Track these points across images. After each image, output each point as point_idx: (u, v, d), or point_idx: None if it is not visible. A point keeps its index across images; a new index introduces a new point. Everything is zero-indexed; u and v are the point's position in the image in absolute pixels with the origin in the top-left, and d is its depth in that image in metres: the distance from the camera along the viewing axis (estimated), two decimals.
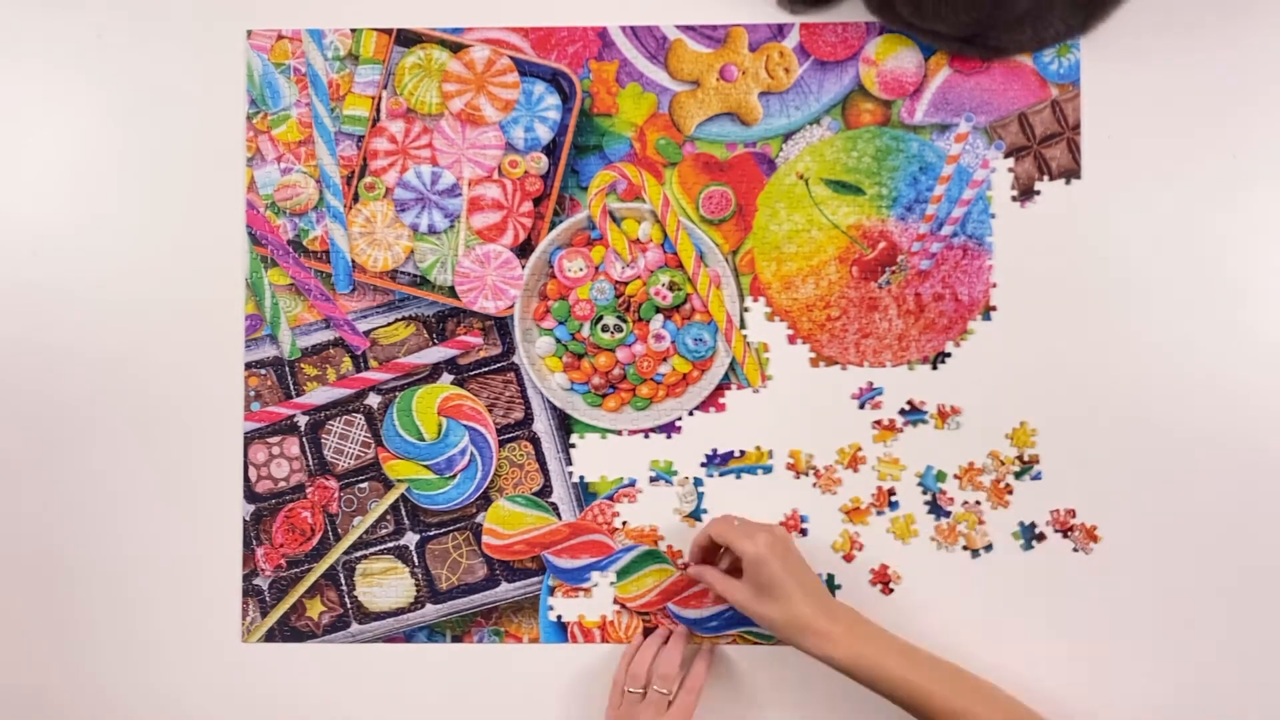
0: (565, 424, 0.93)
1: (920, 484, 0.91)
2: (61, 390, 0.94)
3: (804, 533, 0.91)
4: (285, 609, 0.93)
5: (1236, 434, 0.90)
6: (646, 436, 0.93)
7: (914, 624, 0.89)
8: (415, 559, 0.93)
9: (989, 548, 0.91)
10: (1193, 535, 0.90)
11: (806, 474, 0.91)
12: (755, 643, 0.91)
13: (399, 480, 0.93)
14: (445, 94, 0.93)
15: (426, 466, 0.93)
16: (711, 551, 0.87)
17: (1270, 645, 0.89)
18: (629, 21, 0.93)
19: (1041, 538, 0.91)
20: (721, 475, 0.92)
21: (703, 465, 0.92)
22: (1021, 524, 0.91)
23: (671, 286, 0.92)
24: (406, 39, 0.93)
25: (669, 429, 0.92)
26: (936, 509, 0.91)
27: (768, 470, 0.92)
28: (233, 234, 0.94)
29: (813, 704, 0.91)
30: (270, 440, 0.94)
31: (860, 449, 0.91)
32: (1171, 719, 0.90)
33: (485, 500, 0.93)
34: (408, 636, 0.93)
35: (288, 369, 0.94)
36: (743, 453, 0.92)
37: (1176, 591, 0.90)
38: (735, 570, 0.84)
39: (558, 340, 0.93)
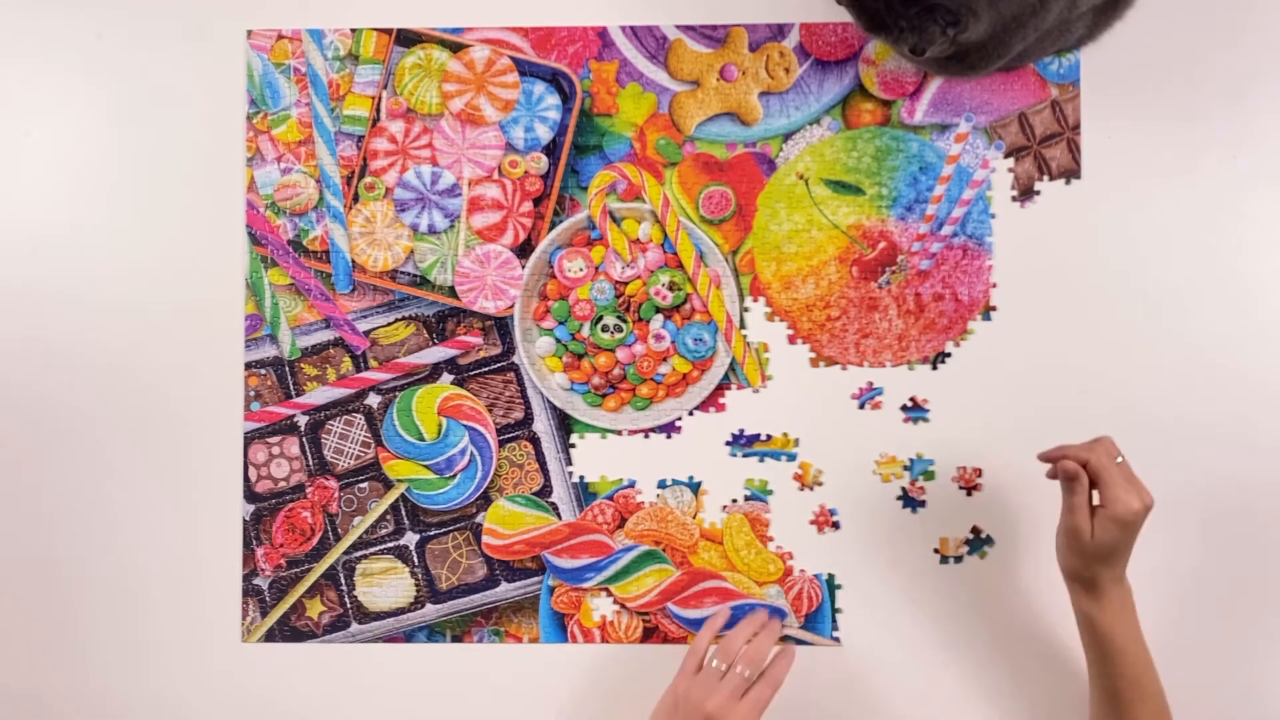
0: (565, 424, 0.93)
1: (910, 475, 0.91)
2: (61, 390, 0.94)
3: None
4: (285, 609, 0.93)
5: (1237, 432, 0.90)
6: (646, 436, 0.93)
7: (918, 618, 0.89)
8: (415, 559, 0.93)
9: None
10: (1194, 533, 0.90)
11: (812, 488, 0.91)
12: None
13: (399, 480, 0.93)
14: (445, 94, 0.93)
15: (426, 466, 0.93)
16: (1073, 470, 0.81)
17: (1275, 641, 0.89)
18: (629, 21, 0.93)
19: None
20: (745, 456, 0.92)
21: (727, 444, 0.92)
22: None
23: (671, 286, 0.92)
24: (406, 39, 0.93)
25: (669, 429, 0.92)
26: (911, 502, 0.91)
27: (791, 457, 0.91)
28: (233, 234, 0.94)
29: (813, 703, 0.91)
30: (270, 440, 0.94)
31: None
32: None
33: (485, 500, 0.93)
34: (408, 636, 0.93)
35: (288, 369, 0.94)
36: (769, 436, 0.92)
37: (1178, 589, 0.90)
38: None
39: (558, 340, 0.93)
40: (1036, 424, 0.91)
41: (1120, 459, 0.79)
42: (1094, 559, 0.79)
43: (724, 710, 0.79)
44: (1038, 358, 0.91)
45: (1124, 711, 0.80)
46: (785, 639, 0.91)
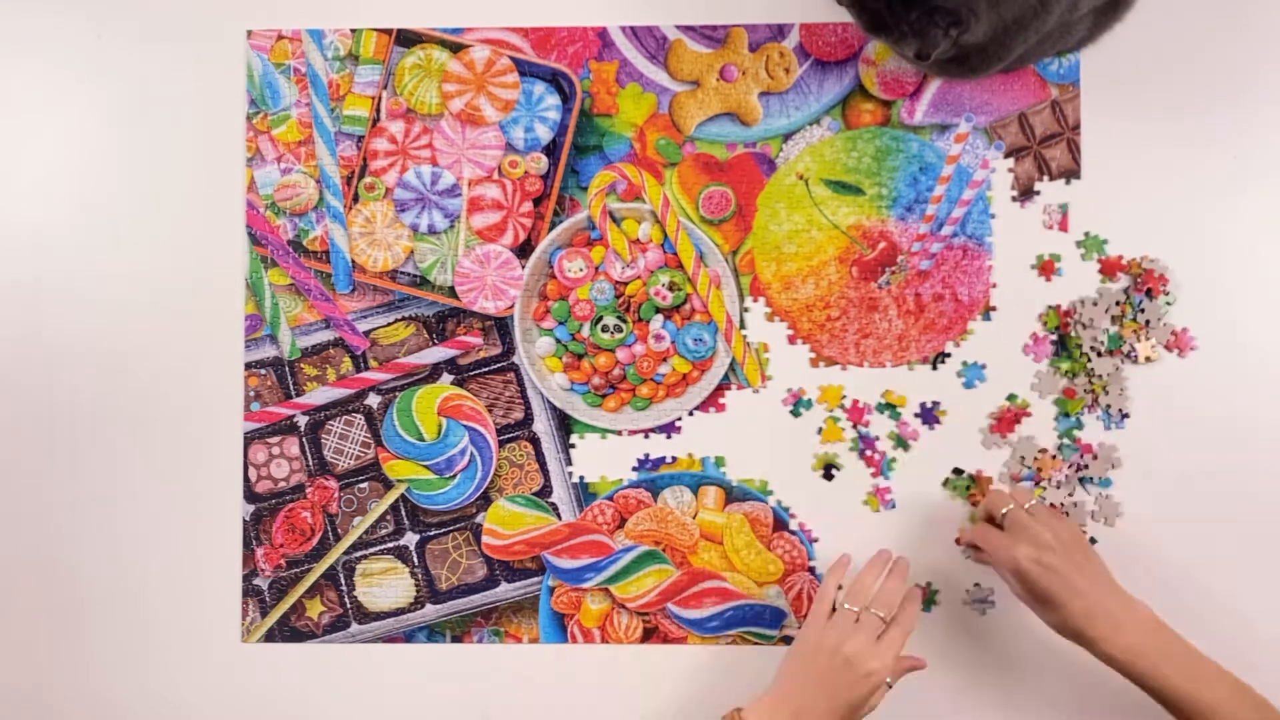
0: (565, 424, 0.93)
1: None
2: (62, 390, 0.94)
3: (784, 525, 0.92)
4: (285, 609, 0.93)
5: (1236, 433, 0.90)
6: (646, 436, 0.93)
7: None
8: (415, 559, 0.93)
9: None
10: (1193, 534, 0.90)
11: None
12: (755, 643, 0.91)
13: (399, 480, 0.93)
14: (445, 94, 0.93)
15: (426, 466, 0.93)
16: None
17: (1269, 638, 0.89)
18: (629, 21, 0.93)
19: None
20: (652, 485, 0.92)
21: (634, 469, 0.92)
22: None
23: (671, 287, 0.92)
24: (406, 39, 0.93)
25: (669, 429, 0.92)
26: None
27: (694, 477, 0.92)
28: (233, 234, 0.94)
29: None
30: (270, 440, 0.94)
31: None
32: None
33: (485, 500, 0.93)
34: (408, 636, 0.93)
35: (288, 369, 0.94)
36: (674, 459, 0.92)
37: (1179, 589, 0.90)
38: None
39: (558, 340, 0.93)
40: (1038, 424, 0.91)
41: (1008, 508, 0.82)
42: (1046, 616, 0.80)
43: (863, 653, 0.79)
44: (1038, 358, 0.91)
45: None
46: (786, 640, 0.91)
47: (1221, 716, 0.76)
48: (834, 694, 0.79)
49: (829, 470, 0.91)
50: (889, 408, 0.91)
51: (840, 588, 0.84)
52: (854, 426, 0.91)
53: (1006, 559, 0.80)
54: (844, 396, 0.91)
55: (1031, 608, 0.81)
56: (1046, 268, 0.90)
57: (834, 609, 0.82)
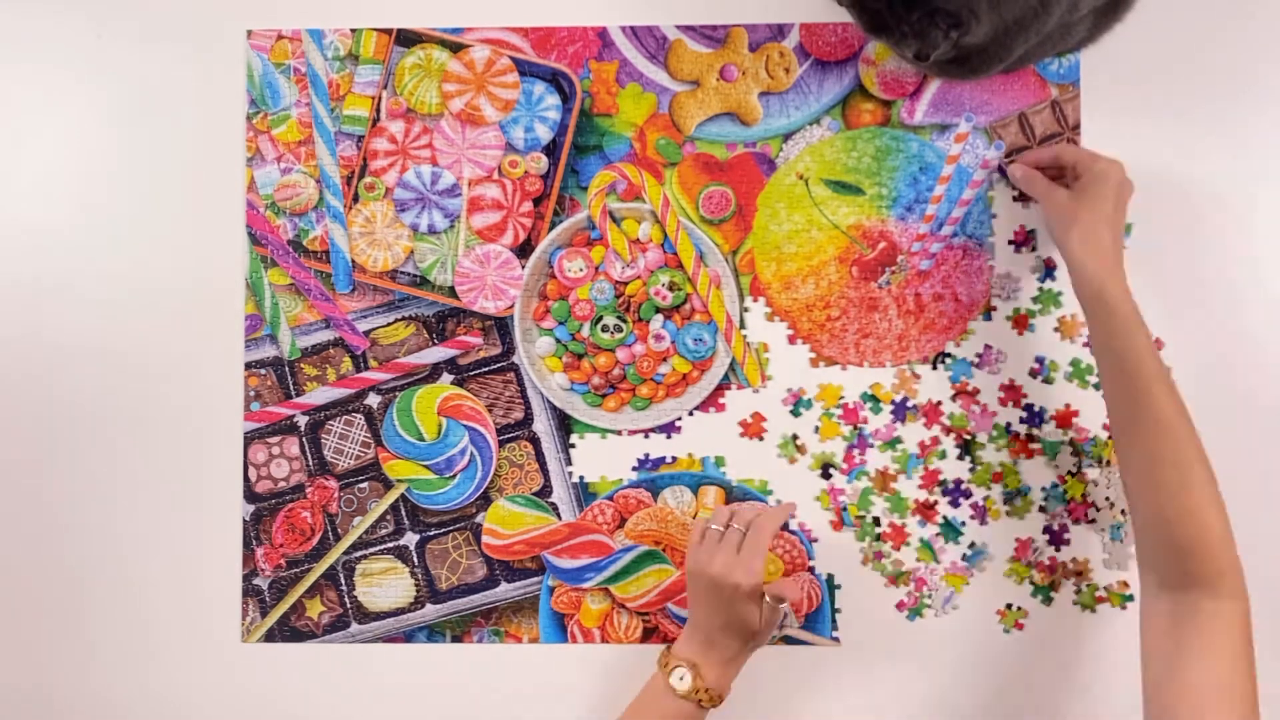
0: (565, 424, 0.93)
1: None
2: (62, 390, 0.94)
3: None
4: (285, 609, 0.93)
5: (1236, 434, 0.90)
6: (646, 436, 0.93)
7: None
8: (415, 559, 0.93)
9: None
10: None
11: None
12: None
13: (399, 480, 0.93)
14: (445, 94, 0.93)
15: (426, 466, 0.93)
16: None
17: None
18: (629, 21, 0.93)
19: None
20: (652, 485, 0.92)
21: (634, 469, 0.92)
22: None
23: (671, 286, 0.92)
24: (406, 39, 0.93)
25: (669, 429, 0.92)
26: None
27: (694, 477, 0.92)
28: (233, 234, 0.94)
29: (813, 703, 0.91)
30: (270, 440, 0.94)
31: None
32: None
33: (485, 500, 0.93)
34: (407, 636, 0.93)
35: (288, 369, 0.94)
36: (674, 459, 0.92)
37: None
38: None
39: (558, 340, 0.93)
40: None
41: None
42: (1072, 205, 0.83)
43: (727, 568, 0.79)
44: (1037, 358, 0.91)
45: (1136, 386, 0.78)
46: (786, 640, 0.91)
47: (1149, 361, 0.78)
48: (721, 613, 0.80)
49: (827, 470, 0.91)
50: (872, 399, 0.91)
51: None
52: (853, 428, 0.91)
53: (1100, 161, 0.84)
54: (843, 396, 0.91)
55: (1059, 209, 0.84)
56: (1020, 322, 0.91)
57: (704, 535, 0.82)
